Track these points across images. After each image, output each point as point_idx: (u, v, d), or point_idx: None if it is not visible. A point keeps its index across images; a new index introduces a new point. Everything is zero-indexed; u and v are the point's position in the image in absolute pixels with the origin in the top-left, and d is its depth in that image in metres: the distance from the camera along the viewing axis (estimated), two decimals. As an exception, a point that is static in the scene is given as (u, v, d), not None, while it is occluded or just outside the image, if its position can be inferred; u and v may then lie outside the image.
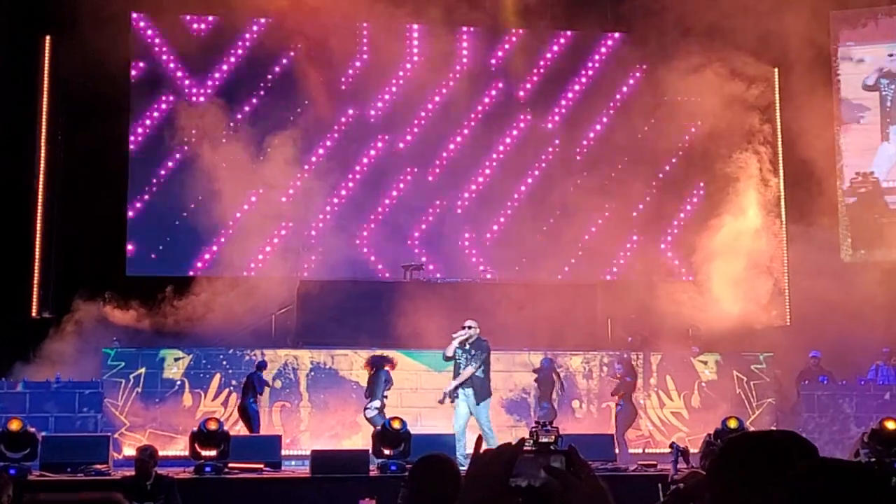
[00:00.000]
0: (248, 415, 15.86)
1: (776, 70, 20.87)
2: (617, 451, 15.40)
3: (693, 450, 12.32)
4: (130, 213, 19.65)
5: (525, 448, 2.39)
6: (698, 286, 19.08)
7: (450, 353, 15.07)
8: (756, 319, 18.98)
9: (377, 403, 15.52)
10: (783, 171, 20.84)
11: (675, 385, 17.65)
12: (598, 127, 21.08)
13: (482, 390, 15.16)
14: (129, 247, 19.48)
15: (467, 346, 15.08)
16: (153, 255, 19.57)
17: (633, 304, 18.45)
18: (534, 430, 3.55)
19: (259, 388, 16.03)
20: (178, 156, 19.75)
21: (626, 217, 20.65)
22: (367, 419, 15.60)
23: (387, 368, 15.76)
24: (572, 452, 2.36)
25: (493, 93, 21.11)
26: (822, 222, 19.91)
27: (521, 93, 21.11)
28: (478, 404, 15.00)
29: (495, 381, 17.16)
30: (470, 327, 15.15)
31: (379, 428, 14.66)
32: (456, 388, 15.03)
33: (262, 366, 16.26)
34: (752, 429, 15.18)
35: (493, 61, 21.20)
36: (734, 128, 19.99)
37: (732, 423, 14.75)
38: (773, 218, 20.19)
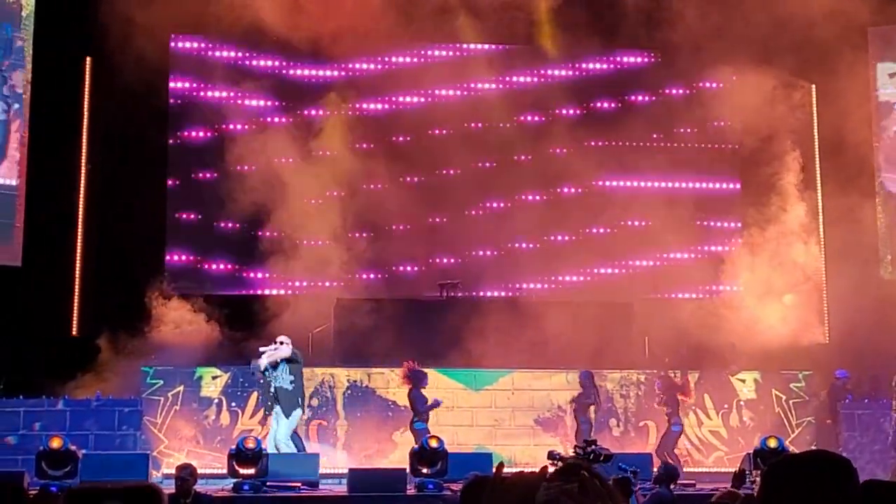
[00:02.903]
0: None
1: (814, 86, 20.77)
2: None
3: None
4: (169, 232, 19.78)
5: (547, 476, 2.38)
6: (736, 304, 18.96)
7: (262, 367, 15.05)
8: (795, 337, 18.84)
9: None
10: (821, 186, 20.72)
11: (713, 404, 17.54)
12: (635, 142, 20.99)
13: (289, 403, 15.13)
14: (168, 263, 19.57)
15: (279, 363, 15.09)
16: (192, 275, 19.66)
17: (670, 321, 18.35)
18: (589, 448, 3.56)
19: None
20: (216, 174, 19.86)
21: (663, 233, 20.56)
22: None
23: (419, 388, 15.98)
24: (585, 479, 2.36)
25: (529, 109, 21.08)
26: (862, 239, 19.75)
27: (558, 110, 21.06)
28: (287, 416, 15.04)
29: (533, 400, 17.15)
30: (282, 343, 15.15)
31: (416, 446, 14.69)
32: (272, 403, 15.11)
33: None
34: (791, 448, 15.06)
35: (529, 78, 21.19)
36: (772, 144, 19.90)
37: (772, 443, 14.70)
38: (812, 234, 20.05)
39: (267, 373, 15.10)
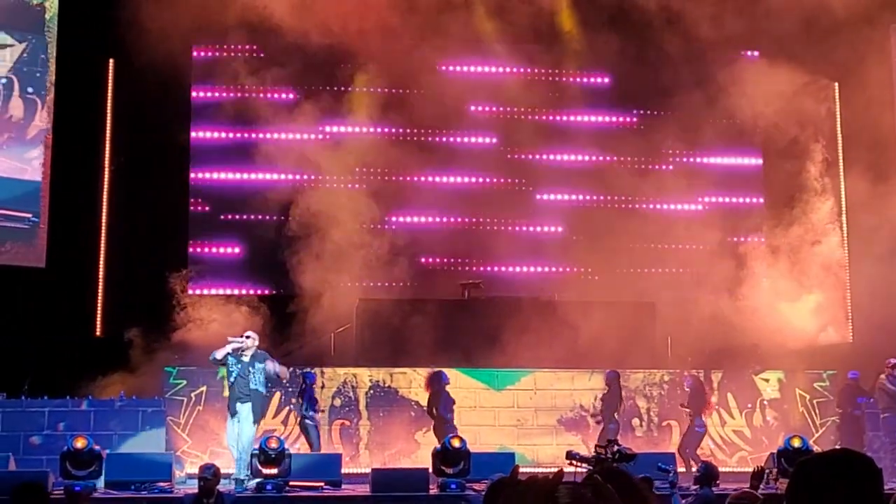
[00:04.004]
0: (303, 428, 15.87)
1: (836, 84, 20.67)
2: (684, 469, 15.29)
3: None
4: (192, 232, 19.87)
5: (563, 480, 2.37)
6: (759, 303, 18.89)
7: (220, 356, 14.33)
8: (819, 336, 18.74)
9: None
10: (845, 185, 20.61)
11: (736, 403, 17.47)
12: (659, 142, 20.93)
13: (262, 408, 14.75)
14: (191, 263, 19.66)
15: (245, 358, 14.43)
16: (214, 274, 19.74)
17: (692, 321, 18.29)
18: (614, 448, 3.55)
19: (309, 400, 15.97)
20: (239, 172, 19.97)
21: (685, 232, 20.52)
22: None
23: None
24: (598, 485, 2.35)
25: (551, 112, 21.08)
26: (886, 238, 19.62)
27: (583, 114, 21.06)
28: (255, 423, 14.45)
29: (556, 400, 17.14)
30: (249, 337, 14.56)
31: (438, 446, 14.68)
32: (236, 402, 14.39)
33: (308, 378, 16.18)
34: (815, 448, 14.99)
35: (552, 81, 21.18)
36: (794, 143, 19.83)
37: (796, 442, 14.65)
38: (836, 234, 19.95)
39: (229, 365, 14.46)
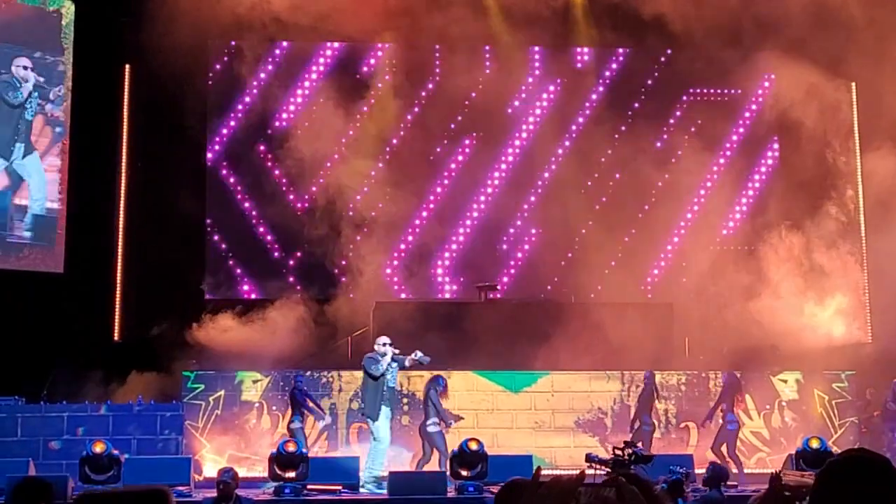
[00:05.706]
0: (291, 433, 15.80)
1: (854, 84, 20.60)
2: (735, 470, 15.28)
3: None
4: (209, 237, 19.92)
5: (585, 480, 2.38)
6: (777, 303, 18.81)
7: (384, 367, 14.92)
8: (836, 337, 18.66)
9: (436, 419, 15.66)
10: (862, 183, 20.53)
11: (754, 404, 17.41)
12: (670, 141, 20.89)
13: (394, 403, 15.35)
14: (208, 270, 19.71)
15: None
16: (231, 279, 19.79)
17: (710, 322, 18.24)
18: (630, 450, 3.54)
19: (301, 401, 15.93)
20: (252, 179, 20.02)
21: (701, 233, 20.48)
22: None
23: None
24: (622, 486, 2.36)
25: (562, 112, 21.07)
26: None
27: (590, 110, 21.04)
28: (390, 419, 15.13)
29: (573, 402, 17.13)
30: (386, 344, 15.05)
31: (456, 449, 14.69)
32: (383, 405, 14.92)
33: (298, 381, 16.16)
34: (834, 449, 14.94)
35: (563, 79, 21.17)
36: (811, 142, 19.76)
37: (814, 443, 14.59)
38: (853, 232, 19.87)
39: (386, 373, 15.02)
